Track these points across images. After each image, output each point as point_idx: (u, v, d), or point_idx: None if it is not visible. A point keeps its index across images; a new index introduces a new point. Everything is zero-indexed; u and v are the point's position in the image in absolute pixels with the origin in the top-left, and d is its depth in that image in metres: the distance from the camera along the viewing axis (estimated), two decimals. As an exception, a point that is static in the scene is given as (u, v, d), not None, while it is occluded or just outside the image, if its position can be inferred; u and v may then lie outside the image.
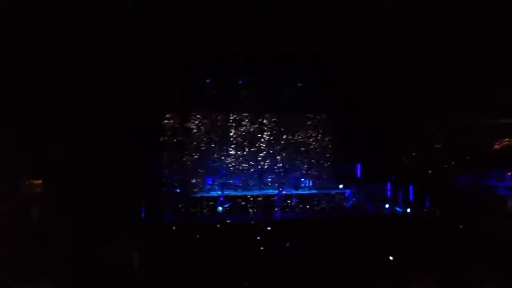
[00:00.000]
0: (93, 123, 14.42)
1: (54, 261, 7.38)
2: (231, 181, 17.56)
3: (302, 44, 14.60)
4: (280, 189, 16.79)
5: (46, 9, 11.90)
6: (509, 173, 15.67)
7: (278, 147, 18.66)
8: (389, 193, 17.00)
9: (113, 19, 12.83)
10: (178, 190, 16.46)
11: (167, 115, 17.35)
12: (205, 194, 16.38)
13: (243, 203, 15.88)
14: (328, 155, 19.09)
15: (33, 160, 13.23)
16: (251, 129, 18.46)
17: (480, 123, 17.46)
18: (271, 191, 17.24)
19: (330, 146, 19.11)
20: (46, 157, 13.43)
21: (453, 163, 17.88)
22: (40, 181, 14.05)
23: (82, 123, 14.22)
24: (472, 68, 14.77)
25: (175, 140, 17.45)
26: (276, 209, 15.80)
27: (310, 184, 18.09)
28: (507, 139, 17.73)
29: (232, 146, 18.23)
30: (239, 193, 16.71)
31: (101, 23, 12.71)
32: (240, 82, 16.76)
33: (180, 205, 15.39)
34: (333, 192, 17.16)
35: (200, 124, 17.89)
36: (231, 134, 18.24)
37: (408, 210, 15.53)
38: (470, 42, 14.08)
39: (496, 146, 17.84)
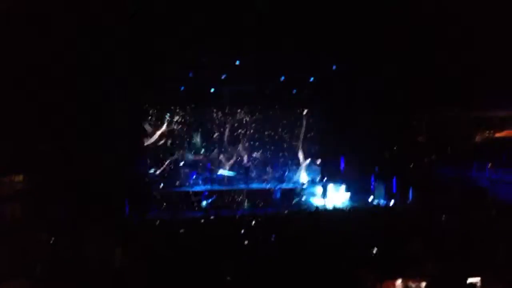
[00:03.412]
0: (75, 120, 14.22)
1: (34, 260, 7.22)
2: (215, 176, 17.48)
3: (286, 39, 14.56)
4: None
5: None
6: (490, 164, 15.89)
7: (262, 142, 18.63)
8: (372, 186, 17.11)
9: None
10: (161, 185, 16.35)
11: (150, 111, 17.21)
12: (189, 189, 16.29)
13: (227, 197, 15.84)
14: (311, 150, 19.09)
15: (14, 156, 12.98)
16: (235, 124, 18.39)
17: (461, 116, 17.71)
18: (255, 185, 17.24)
19: (313, 140, 19.11)
20: (28, 153, 13.17)
21: (434, 155, 18.08)
22: (20, 177, 13.78)
23: (65, 120, 14.00)
24: (456, 61, 14.92)
25: (158, 135, 17.32)
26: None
27: (294, 178, 18.09)
28: (487, 132, 18.04)
29: (216, 141, 18.15)
30: (223, 187, 16.64)
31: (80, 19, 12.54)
32: (223, 77, 16.58)
33: (164, 200, 15.28)
34: (317, 186, 17.23)
35: (183, 119, 17.76)
36: (215, 128, 18.15)
37: (392, 202, 15.66)
38: (457, 35, 14.21)
39: (477, 139, 18.13)
